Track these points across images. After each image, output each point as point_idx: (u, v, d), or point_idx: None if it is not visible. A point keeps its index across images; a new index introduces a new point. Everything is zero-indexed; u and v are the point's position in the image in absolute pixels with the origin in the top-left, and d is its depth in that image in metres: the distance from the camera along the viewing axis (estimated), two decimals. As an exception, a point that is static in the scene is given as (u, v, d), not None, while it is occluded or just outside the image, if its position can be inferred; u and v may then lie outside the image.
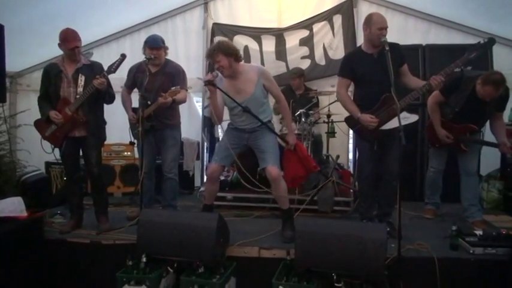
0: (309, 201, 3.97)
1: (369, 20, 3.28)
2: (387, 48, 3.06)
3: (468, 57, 3.18)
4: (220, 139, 5.15)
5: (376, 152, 3.40)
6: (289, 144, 3.56)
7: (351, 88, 3.58)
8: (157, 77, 3.75)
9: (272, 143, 3.44)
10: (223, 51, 3.20)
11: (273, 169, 3.34)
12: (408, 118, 3.19)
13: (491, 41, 3.17)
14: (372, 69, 3.25)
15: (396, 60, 3.22)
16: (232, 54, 3.23)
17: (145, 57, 3.66)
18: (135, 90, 3.95)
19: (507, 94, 3.67)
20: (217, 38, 5.65)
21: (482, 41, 3.18)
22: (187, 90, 3.93)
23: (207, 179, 3.62)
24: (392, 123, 3.19)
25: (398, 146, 3.08)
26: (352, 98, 3.51)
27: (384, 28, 3.20)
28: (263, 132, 3.44)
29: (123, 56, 3.43)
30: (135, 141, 3.98)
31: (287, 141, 3.58)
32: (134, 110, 3.90)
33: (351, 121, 3.51)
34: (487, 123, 3.86)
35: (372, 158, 3.44)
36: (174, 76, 3.78)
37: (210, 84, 3.17)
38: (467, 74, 3.62)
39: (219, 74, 3.31)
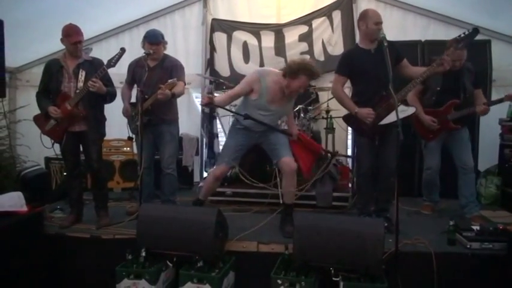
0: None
1: (365, 15, 3.35)
2: (386, 44, 3.07)
3: (456, 48, 3.27)
4: (218, 136, 5.13)
5: (375, 147, 3.43)
6: (293, 136, 3.61)
7: (348, 84, 3.60)
8: (155, 71, 3.77)
9: (283, 137, 3.51)
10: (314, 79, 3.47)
11: (290, 160, 3.40)
12: (406, 111, 3.22)
13: (474, 31, 3.18)
14: (370, 64, 3.29)
15: (392, 56, 3.21)
16: None
17: (144, 52, 3.68)
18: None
19: (475, 69, 3.83)
20: (216, 34, 5.67)
21: (466, 32, 3.20)
22: (185, 84, 3.93)
23: (213, 178, 3.61)
24: (391, 117, 3.20)
25: (396, 142, 3.09)
26: (350, 95, 3.54)
27: (380, 23, 3.28)
28: (273, 131, 3.51)
29: (123, 50, 3.44)
30: (133, 136, 4.00)
31: (290, 133, 3.61)
32: (132, 104, 3.93)
33: (349, 119, 3.53)
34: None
35: (370, 153, 3.46)
36: (172, 70, 3.80)
37: (207, 106, 3.17)
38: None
39: (264, 73, 3.37)
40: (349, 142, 5.39)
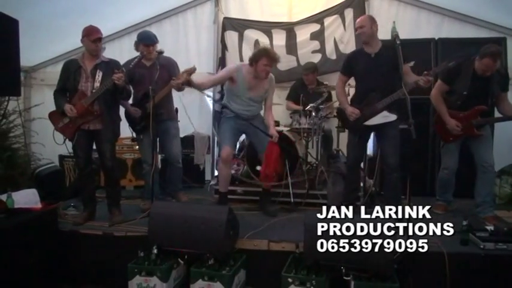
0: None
1: None
2: (398, 42, 3.08)
3: (447, 65, 3.41)
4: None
5: (362, 143, 3.77)
6: (273, 137, 3.81)
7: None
8: (153, 69, 3.89)
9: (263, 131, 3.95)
10: (275, 61, 3.84)
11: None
12: (388, 117, 3.49)
13: (472, 52, 3.57)
14: (368, 67, 3.53)
15: (391, 61, 3.30)
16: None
17: (157, 51, 3.89)
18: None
19: (507, 73, 3.79)
20: (228, 33, 5.67)
21: (463, 53, 3.48)
22: None
23: (222, 162, 3.84)
24: (374, 120, 3.53)
25: (393, 138, 3.51)
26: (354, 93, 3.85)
27: (357, 28, 3.59)
28: (257, 121, 3.94)
29: (142, 54, 3.60)
30: (140, 136, 4.09)
31: (271, 134, 3.83)
32: (133, 105, 4.05)
33: (340, 112, 3.97)
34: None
35: (356, 147, 3.75)
36: (169, 68, 3.96)
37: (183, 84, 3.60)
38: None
39: (241, 65, 3.89)
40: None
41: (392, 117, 3.50)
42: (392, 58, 3.26)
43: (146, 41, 3.90)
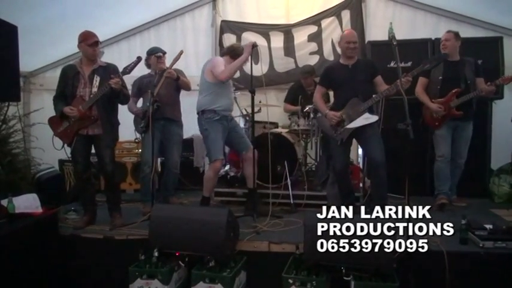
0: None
1: (341, 36, 3.85)
2: (395, 43, 3.11)
3: (423, 67, 3.56)
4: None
5: (345, 147, 3.80)
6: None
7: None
8: (160, 77, 3.98)
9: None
10: None
11: (252, 150, 3.84)
12: (369, 118, 3.63)
13: (444, 55, 3.90)
14: (345, 78, 3.73)
15: (368, 72, 3.71)
16: None
17: (156, 55, 4.03)
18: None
19: (476, 60, 4.10)
20: (226, 35, 5.70)
21: (436, 55, 3.84)
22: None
23: (215, 173, 3.87)
24: (357, 123, 3.64)
25: (376, 136, 3.67)
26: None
27: (351, 42, 3.70)
28: (235, 121, 4.07)
29: (139, 59, 3.60)
30: (142, 134, 4.13)
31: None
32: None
33: (320, 120, 4.13)
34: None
35: (341, 153, 3.81)
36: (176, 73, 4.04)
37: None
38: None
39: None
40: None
41: (374, 118, 3.68)
42: (368, 69, 3.73)
43: (157, 50, 4.12)
